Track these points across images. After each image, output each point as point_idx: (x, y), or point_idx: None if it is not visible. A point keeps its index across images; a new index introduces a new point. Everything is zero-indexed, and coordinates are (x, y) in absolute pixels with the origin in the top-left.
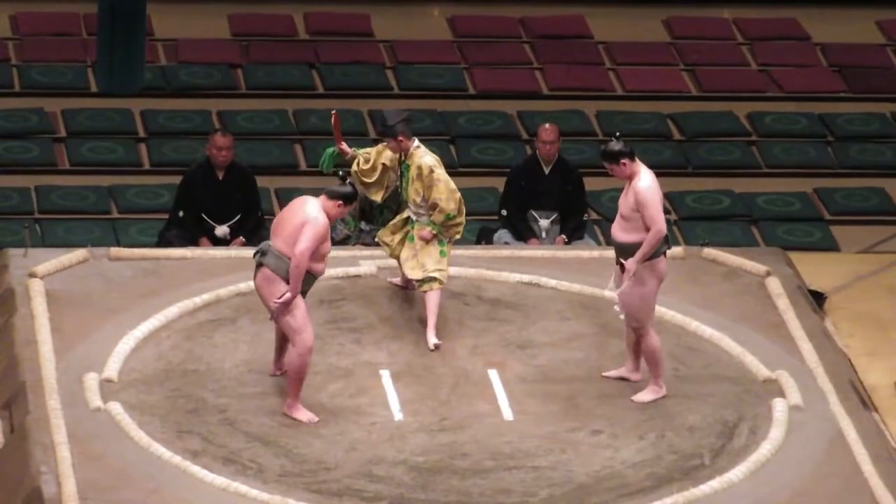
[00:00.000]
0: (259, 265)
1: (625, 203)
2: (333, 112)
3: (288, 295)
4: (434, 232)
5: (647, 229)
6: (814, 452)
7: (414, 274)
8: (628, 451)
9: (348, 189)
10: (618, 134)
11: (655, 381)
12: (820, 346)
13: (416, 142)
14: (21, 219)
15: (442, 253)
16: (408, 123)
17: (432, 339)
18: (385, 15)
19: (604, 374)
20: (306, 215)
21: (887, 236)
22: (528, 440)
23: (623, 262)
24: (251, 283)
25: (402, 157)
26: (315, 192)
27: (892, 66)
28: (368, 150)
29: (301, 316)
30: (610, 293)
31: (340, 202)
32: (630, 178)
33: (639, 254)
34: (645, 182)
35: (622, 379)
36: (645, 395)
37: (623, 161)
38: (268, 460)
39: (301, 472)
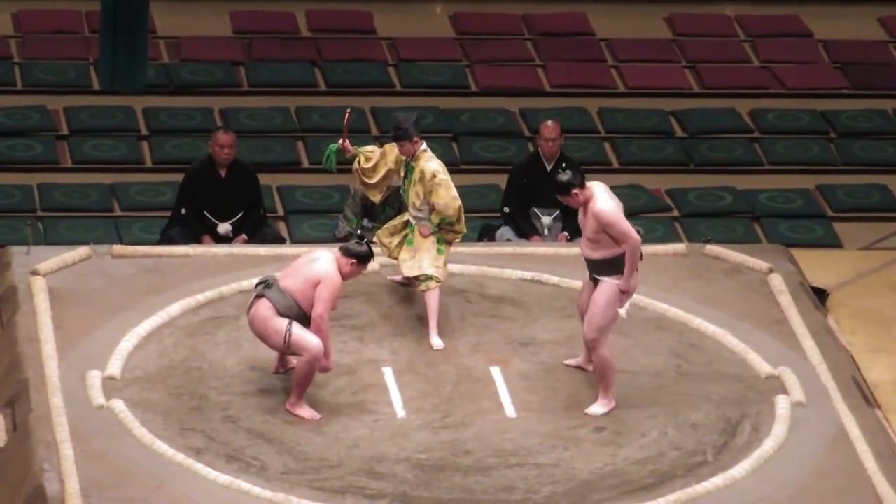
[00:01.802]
0: (259, 296)
1: (587, 226)
2: (348, 110)
3: (326, 364)
4: (432, 230)
5: (619, 244)
6: (816, 449)
7: (411, 272)
8: (631, 448)
9: (364, 249)
10: (563, 166)
11: (605, 395)
12: (822, 342)
13: (424, 144)
14: (23, 216)
15: (439, 251)
16: (418, 125)
17: (436, 342)
18: (387, 12)
19: (564, 362)
20: (322, 271)
21: (890, 233)
22: (531, 437)
23: (598, 278)
24: (253, 281)
25: (409, 159)
26: (316, 192)
27: (894, 63)
28: (371, 147)
29: (299, 336)
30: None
31: (354, 261)
32: (585, 203)
33: (626, 272)
34: (602, 203)
35: (580, 368)
36: (597, 409)
37: (574, 191)
38: (270, 458)
39: (304, 470)
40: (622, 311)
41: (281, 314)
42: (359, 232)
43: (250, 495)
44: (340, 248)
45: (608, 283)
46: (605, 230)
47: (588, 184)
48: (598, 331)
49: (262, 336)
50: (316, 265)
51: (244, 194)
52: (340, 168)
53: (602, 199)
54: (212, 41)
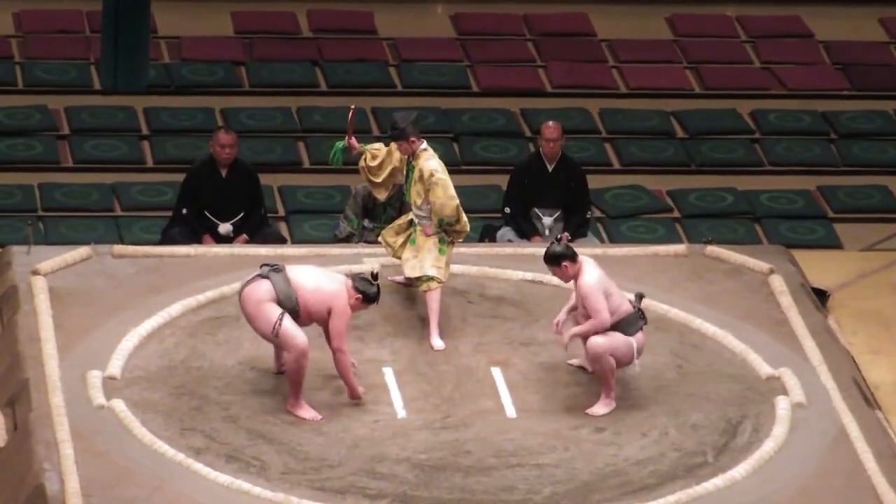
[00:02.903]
0: (263, 276)
1: (580, 303)
2: (352, 107)
3: (357, 393)
4: (434, 230)
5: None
6: (817, 450)
7: (413, 273)
8: (631, 448)
9: (373, 291)
10: (559, 236)
11: (607, 395)
12: (823, 343)
13: (425, 144)
14: (24, 216)
15: (441, 251)
16: (417, 124)
17: (436, 342)
18: (388, 12)
19: (568, 362)
20: (336, 299)
21: (890, 234)
22: (532, 438)
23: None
24: None
25: (410, 158)
26: (318, 192)
27: (895, 64)
28: (377, 145)
29: (288, 329)
30: (637, 368)
31: (360, 297)
32: (575, 277)
33: (576, 330)
34: (587, 277)
35: (582, 368)
36: (598, 409)
37: (564, 263)
38: (271, 458)
39: (304, 470)
40: (636, 366)
41: (279, 301)
42: (374, 272)
43: (250, 495)
44: (352, 278)
45: (628, 337)
46: (583, 302)
47: (580, 258)
48: (607, 350)
49: (251, 317)
50: (332, 284)
51: (245, 194)
52: (342, 167)
53: (589, 274)
54: (213, 41)
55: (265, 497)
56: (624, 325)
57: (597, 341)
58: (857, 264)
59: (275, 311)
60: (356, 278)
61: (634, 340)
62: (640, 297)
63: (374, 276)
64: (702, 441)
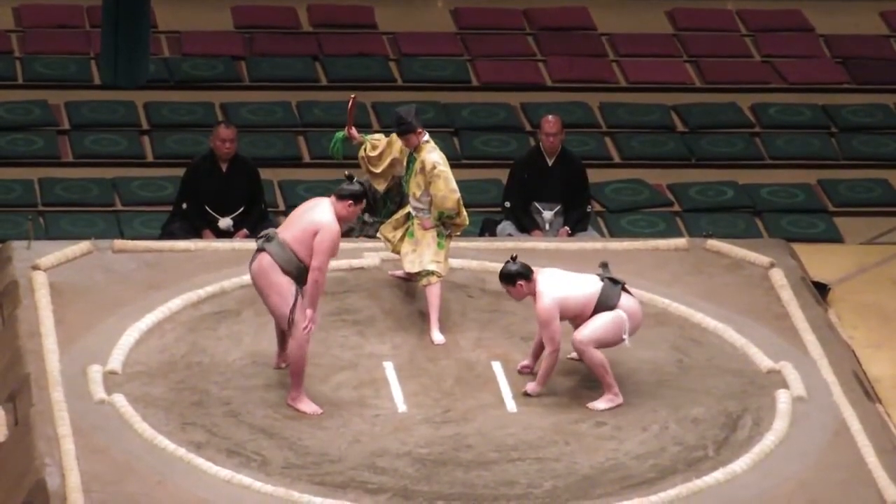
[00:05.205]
0: (260, 250)
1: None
2: (352, 96)
3: (312, 317)
4: (434, 223)
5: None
6: (817, 444)
7: (412, 268)
8: (632, 442)
9: (357, 188)
10: (514, 255)
11: (608, 390)
12: (823, 337)
13: (427, 135)
14: (25, 211)
15: (440, 245)
16: (418, 116)
17: (436, 337)
18: (388, 7)
19: (568, 356)
20: (320, 220)
21: (891, 228)
22: (532, 432)
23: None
24: None
25: (412, 150)
26: (318, 187)
27: (895, 58)
28: (377, 136)
29: (300, 312)
30: (627, 344)
31: (350, 202)
32: (532, 295)
33: (540, 377)
34: (544, 302)
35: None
36: (600, 404)
37: (520, 282)
38: (271, 452)
39: (305, 464)
40: (626, 342)
41: (282, 268)
42: (346, 174)
43: (251, 490)
44: (334, 194)
45: (614, 311)
46: (539, 326)
47: (535, 276)
48: (590, 342)
49: (265, 291)
50: (313, 214)
51: (245, 189)
52: (343, 161)
53: (546, 296)
54: (213, 36)
55: (266, 491)
56: (602, 302)
57: (577, 337)
58: (857, 258)
59: (289, 286)
60: (336, 192)
61: (622, 310)
62: (603, 265)
63: (350, 178)
64: (702, 435)
